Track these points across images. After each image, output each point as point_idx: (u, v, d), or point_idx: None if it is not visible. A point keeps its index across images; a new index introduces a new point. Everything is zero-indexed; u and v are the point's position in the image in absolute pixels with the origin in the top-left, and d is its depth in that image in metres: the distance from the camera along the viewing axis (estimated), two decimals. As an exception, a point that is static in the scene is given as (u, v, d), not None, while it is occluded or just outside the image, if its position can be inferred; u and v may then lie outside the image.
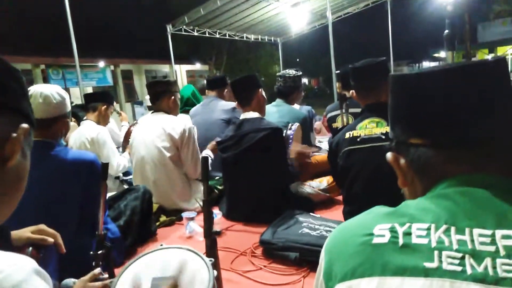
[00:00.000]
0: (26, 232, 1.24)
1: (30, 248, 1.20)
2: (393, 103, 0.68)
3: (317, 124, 4.51)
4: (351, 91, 2.18)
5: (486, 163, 0.58)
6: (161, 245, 1.07)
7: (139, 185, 2.38)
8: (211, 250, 1.25)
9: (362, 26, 34.75)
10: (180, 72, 17.81)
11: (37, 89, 1.74)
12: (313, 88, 34.70)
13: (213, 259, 0.98)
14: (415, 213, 0.57)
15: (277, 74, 3.51)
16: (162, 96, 2.75)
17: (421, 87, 0.62)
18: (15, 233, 1.25)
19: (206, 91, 3.71)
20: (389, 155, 0.68)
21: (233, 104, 3.41)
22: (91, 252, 1.44)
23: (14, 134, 0.58)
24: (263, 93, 2.61)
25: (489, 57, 26.08)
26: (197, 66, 19.05)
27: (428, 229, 0.54)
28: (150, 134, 2.66)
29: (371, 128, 1.95)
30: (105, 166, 1.52)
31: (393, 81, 0.67)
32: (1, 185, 0.59)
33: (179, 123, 2.65)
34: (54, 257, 1.37)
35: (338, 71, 2.75)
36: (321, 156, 3.50)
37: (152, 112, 2.80)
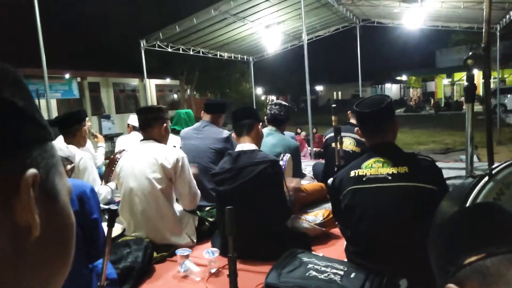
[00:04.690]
0: None
1: None
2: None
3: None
4: (356, 129, 2.17)
5: None
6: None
7: (143, 239, 2.35)
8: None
9: (332, 48, 36.00)
10: (149, 86, 17.44)
11: None
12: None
13: None
14: None
15: (273, 102, 3.51)
16: (154, 124, 2.62)
17: None
18: None
19: (202, 113, 3.50)
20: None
21: (227, 132, 3.27)
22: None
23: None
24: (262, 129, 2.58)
25: (447, 81, 27.64)
26: (167, 80, 18.75)
27: None
28: (140, 164, 2.53)
29: (377, 167, 1.95)
30: (113, 212, 1.42)
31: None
32: (38, 265, 0.37)
33: (172, 153, 2.53)
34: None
35: (334, 105, 2.75)
36: (310, 185, 3.49)
37: (142, 140, 2.68)
